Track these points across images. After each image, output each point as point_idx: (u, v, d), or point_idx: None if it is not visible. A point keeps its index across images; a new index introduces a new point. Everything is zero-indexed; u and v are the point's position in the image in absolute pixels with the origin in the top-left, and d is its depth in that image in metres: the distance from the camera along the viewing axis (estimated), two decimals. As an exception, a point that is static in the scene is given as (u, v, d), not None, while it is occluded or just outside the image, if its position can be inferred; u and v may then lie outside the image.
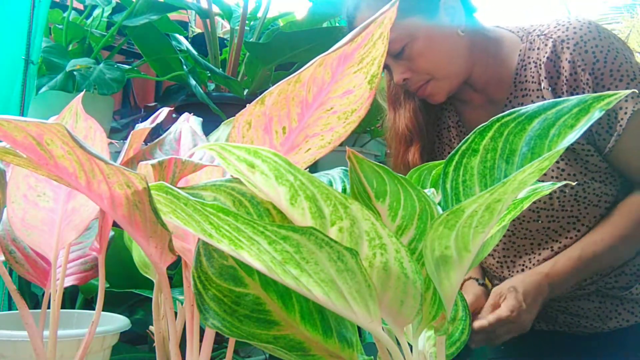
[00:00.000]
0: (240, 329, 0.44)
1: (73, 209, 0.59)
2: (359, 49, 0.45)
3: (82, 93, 0.65)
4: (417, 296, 0.39)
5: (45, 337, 0.57)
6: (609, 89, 0.91)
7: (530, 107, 0.41)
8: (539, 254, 1.02)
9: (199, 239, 0.45)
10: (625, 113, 0.91)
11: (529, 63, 0.97)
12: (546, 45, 0.94)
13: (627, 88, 0.91)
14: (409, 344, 0.43)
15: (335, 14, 1.79)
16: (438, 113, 1.14)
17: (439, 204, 0.44)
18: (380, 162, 0.48)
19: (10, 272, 0.76)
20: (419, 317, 0.40)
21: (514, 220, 1.01)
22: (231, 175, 0.43)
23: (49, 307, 0.58)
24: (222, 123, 0.68)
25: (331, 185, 0.55)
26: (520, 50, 0.99)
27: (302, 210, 0.38)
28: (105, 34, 1.54)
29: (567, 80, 0.92)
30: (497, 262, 1.08)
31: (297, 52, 1.47)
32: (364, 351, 0.48)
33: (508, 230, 1.04)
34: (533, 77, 0.96)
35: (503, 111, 1.03)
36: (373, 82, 0.47)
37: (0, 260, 0.62)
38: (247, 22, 1.67)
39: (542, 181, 0.98)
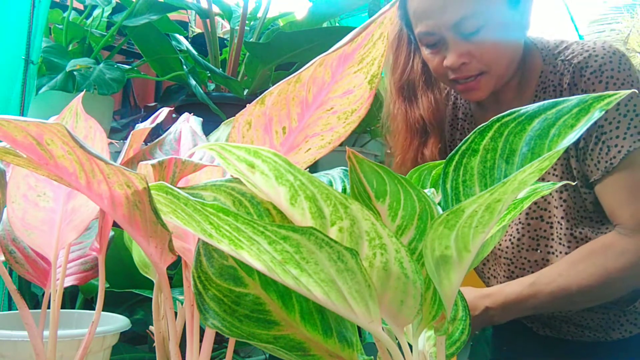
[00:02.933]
0: (240, 329, 0.44)
1: (73, 209, 0.59)
2: (359, 49, 0.45)
3: (82, 93, 0.65)
4: (417, 296, 0.39)
5: (45, 337, 0.57)
6: (610, 123, 0.88)
7: (531, 107, 0.41)
8: None
9: (199, 239, 0.45)
10: (619, 152, 0.88)
11: (549, 86, 0.95)
12: (568, 71, 0.92)
13: (629, 125, 0.87)
14: (409, 344, 0.43)
15: (335, 14, 1.79)
16: (455, 124, 1.10)
17: (439, 204, 0.44)
18: (380, 162, 0.48)
19: (10, 272, 0.76)
20: (419, 317, 0.40)
21: (513, 248, 1.00)
22: (231, 175, 0.43)
23: (49, 307, 0.58)
24: (222, 123, 0.68)
25: (331, 185, 0.55)
26: (542, 72, 0.96)
27: (302, 210, 0.38)
28: (105, 34, 1.54)
29: None
30: None
31: (297, 52, 1.47)
32: (364, 351, 0.48)
33: (507, 259, 1.01)
34: (552, 100, 0.95)
35: None
36: (373, 82, 0.47)
37: (0, 260, 0.62)
38: (247, 22, 1.67)
39: (545, 209, 0.95)
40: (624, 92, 0.37)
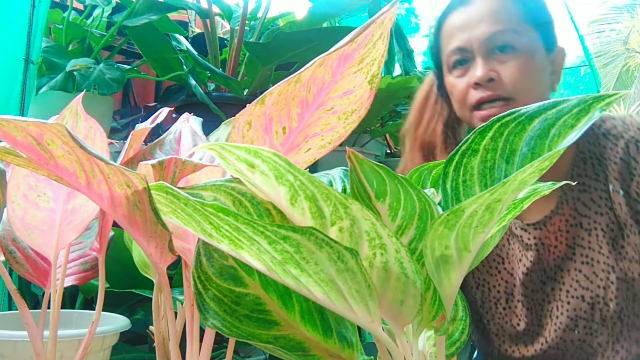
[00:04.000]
0: (240, 329, 0.44)
1: (73, 209, 0.59)
2: (359, 49, 0.45)
3: (82, 93, 0.65)
4: (417, 296, 0.39)
5: (45, 337, 0.57)
6: None
7: (531, 107, 0.41)
8: None
9: (199, 239, 0.45)
10: None
11: (590, 158, 0.92)
12: (616, 145, 0.91)
13: None
14: (409, 343, 0.43)
15: (335, 14, 1.79)
16: None
17: (439, 204, 0.44)
18: (380, 162, 0.48)
19: (10, 272, 0.76)
20: (419, 317, 0.40)
21: (550, 329, 0.92)
22: (231, 175, 0.43)
23: (49, 307, 0.58)
24: (222, 123, 0.68)
25: (331, 185, 0.55)
26: (579, 144, 0.93)
27: (302, 210, 0.38)
28: (105, 34, 1.54)
29: None
30: None
31: (297, 52, 1.47)
32: (364, 351, 0.48)
33: (542, 337, 0.95)
34: (596, 175, 0.92)
35: (559, 205, 0.92)
36: (373, 82, 0.47)
37: (0, 260, 0.62)
38: (247, 22, 1.67)
39: (587, 288, 0.90)
40: (624, 92, 0.37)
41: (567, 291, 0.92)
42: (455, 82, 0.95)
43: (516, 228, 0.96)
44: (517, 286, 0.96)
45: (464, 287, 1.02)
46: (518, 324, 0.97)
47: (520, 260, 0.96)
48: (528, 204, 0.44)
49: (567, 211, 0.91)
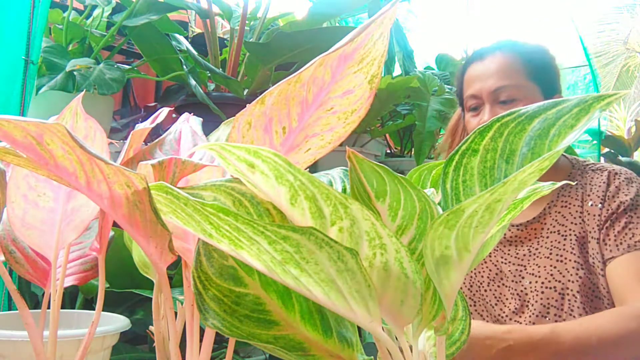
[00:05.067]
0: (240, 329, 0.44)
1: (73, 209, 0.59)
2: (359, 49, 0.45)
3: (82, 93, 0.65)
4: (417, 296, 0.39)
5: (45, 337, 0.57)
6: None
7: (531, 107, 0.41)
8: None
9: (199, 239, 0.45)
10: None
11: (576, 184, 1.14)
12: (601, 174, 1.13)
13: None
14: (408, 344, 0.43)
15: (335, 14, 1.79)
16: None
17: (439, 204, 0.44)
18: (380, 162, 0.48)
19: (10, 272, 0.76)
20: (419, 317, 0.40)
21: (523, 313, 1.07)
22: (231, 175, 0.43)
23: (49, 307, 0.58)
24: (222, 123, 0.68)
25: (331, 185, 0.55)
26: (571, 173, 1.16)
27: (302, 210, 0.38)
28: (105, 34, 1.54)
29: (612, 196, 1.09)
30: None
31: (297, 52, 1.47)
32: (364, 351, 0.48)
33: (516, 322, 1.07)
34: (577, 195, 1.13)
35: (542, 215, 1.16)
36: (373, 82, 0.47)
37: (0, 260, 0.62)
38: (247, 22, 1.67)
39: (560, 281, 1.07)
40: (624, 92, 0.37)
41: (543, 283, 1.09)
42: (470, 120, 1.18)
43: None
44: (498, 274, 1.15)
45: None
46: (496, 304, 1.14)
47: (497, 253, 1.16)
48: (528, 204, 0.44)
49: (548, 221, 1.12)
